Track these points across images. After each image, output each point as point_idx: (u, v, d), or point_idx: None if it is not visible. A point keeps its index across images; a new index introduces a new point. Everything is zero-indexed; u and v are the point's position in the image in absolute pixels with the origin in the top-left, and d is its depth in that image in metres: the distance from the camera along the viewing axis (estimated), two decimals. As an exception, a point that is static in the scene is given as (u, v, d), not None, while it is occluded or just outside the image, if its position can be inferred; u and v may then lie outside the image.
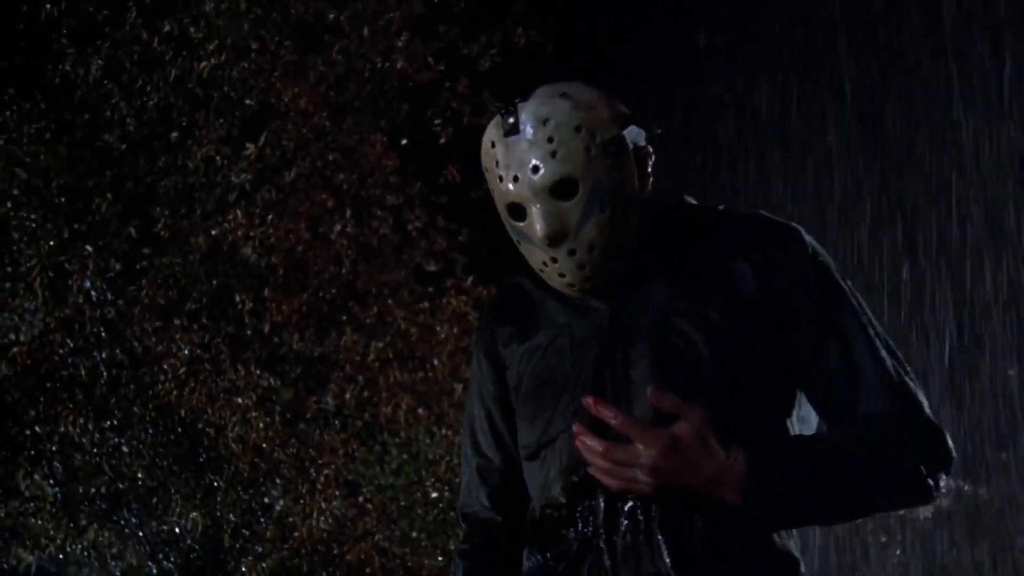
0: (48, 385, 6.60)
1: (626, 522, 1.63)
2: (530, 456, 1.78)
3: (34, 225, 6.59)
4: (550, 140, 1.65)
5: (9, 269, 6.62)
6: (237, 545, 7.15)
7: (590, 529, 1.65)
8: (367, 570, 7.62)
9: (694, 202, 1.82)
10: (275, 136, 7.26)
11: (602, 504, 1.64)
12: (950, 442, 1.63)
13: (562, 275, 1.70)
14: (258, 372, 7.29)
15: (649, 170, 1.72)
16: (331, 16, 7.38)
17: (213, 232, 7.07)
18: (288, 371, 7.61)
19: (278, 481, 7.26)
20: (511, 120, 1.67)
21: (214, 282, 7.13)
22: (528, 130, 1.66)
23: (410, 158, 7.93)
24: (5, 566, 7.05)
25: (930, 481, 1.60)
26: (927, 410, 1.64)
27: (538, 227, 1.66)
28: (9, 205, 6.58)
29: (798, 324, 1.67)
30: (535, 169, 1.65)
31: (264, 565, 7.20)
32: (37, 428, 6.59)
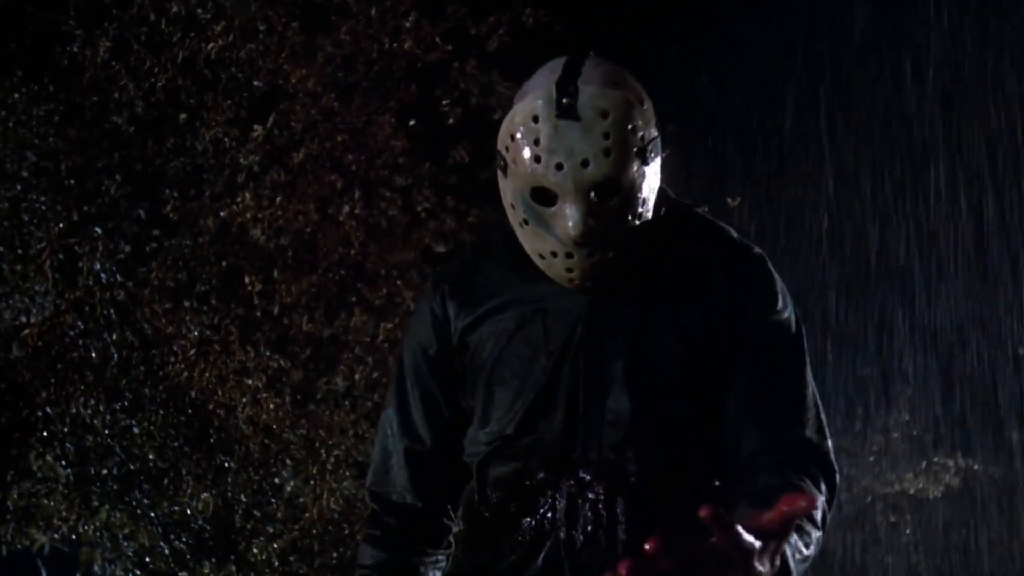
0: (59, 367, 6.62)
1: (588, 516, 1.61)
2: (490, 442, 1.71)
3: (44, 207, 6.60)
4: (606, 136, 1.55)
5: (19, 251, 6.63)
6: (248, 526, 7.18)
7: (549, 520, 1.63)
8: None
9: (672, 194, 1.77)
10: (283, 117, 7.26)
11: (566, 497, 1.62)
12: (838, 478, 1.67)
13: (570, 270, 1.62)
14: (268, 353, 7.31)
15: (659, 170, 1.67)
16: (338, -4, 7.37)
17: (222, 214, 7.08)
18: (298, 352, 7.62)
19: (288, 462, 7.28)
20: (567, 102, 1.55)
21: (223, 264, 7.14)
22: (586, 119, 1.55)
23: (419, 139, 7.91)
24: (18, 546, 7.09)
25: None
26: (831, 448, 1.69)
27: (571, 224, 1.56)
28: (19, 187, 6.59)
29: (751, 345, 1.67)
30: (584, 163, 1.55)
31: (275, 545, 7.23)
32: (48, 409, 6.62)
